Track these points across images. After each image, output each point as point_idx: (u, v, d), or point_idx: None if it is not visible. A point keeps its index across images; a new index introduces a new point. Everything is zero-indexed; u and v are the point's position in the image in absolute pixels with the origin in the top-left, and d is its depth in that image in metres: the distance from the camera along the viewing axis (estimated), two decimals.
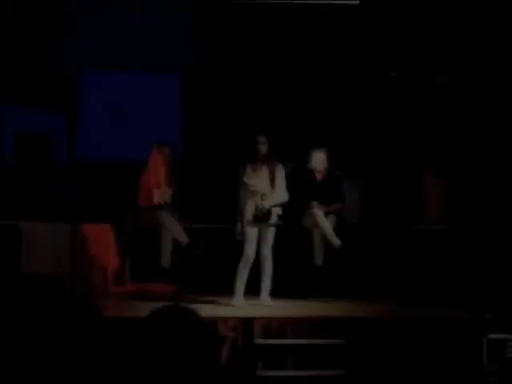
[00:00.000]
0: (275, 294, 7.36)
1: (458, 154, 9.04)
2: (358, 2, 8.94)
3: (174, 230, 7.42)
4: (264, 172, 7.15)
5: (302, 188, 7.79)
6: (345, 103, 9.40)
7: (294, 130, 9.19)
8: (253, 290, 7.24)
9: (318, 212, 7.58)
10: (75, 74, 9.32)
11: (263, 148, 7.14)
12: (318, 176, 7.90)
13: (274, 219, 7.14)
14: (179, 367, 2.30)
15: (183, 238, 7.38)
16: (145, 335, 2.35)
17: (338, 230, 7.59)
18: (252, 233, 7.08)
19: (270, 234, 7.16)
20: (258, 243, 7.13)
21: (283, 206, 7.24)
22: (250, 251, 7.06)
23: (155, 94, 9.35)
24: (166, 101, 9.38)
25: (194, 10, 9.43)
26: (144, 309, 6.99)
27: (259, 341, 6.16)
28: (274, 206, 7.13)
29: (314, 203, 7.68)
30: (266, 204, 7.07)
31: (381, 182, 9.17)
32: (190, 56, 9.42)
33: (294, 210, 7.62)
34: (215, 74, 9.29)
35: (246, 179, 7.15)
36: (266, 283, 7.17)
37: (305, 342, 6.25)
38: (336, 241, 7.44)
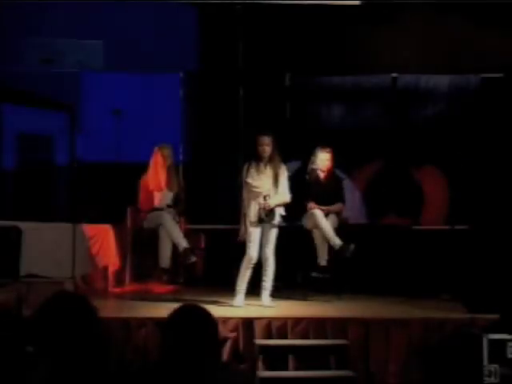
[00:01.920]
0: (276, 294, 7.36)
1: (458, 154, 9.04)
2: (359, 3, 8.92)
3: (173, 234, 7.39)
4: (268, 172, 7.13)
5: (305, 188, 7.77)
6: (344, 103, 9.39)
7: (296, 130, 9.19)
8: (253, 290, 7.23)
9: (319, 213, 7.56)
10: (76, 74, 9.32)
11: (267, 149, 7.12)
12: (322, 176, 7.87)
13: (277, 220, 7.12)
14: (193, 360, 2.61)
15: (182, 243, 7.35)
16: (167, 333, 2.71)
17: (338, 231, 7.57)
18: (255, 233, 7.07)
19: (273, 234, 7.14)
20: (260, 244, 7.11)
21: (286, 206, 7.22)
22: (252, 251, 7.04)
23: (157, 94, 9.34)
24: (167, 101, 9.36)
25: (198, 12, 9.43)
26: (144, 309, 7.03)
27: (260, 341, 6.15)
28: (277, 206, 7.10)
29: (311, 204, 7.66)
30: (269, 205, 7.05)
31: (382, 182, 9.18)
32: (192, 58, 9.42)
33: (296, 210, 7.61)
34: (217, 74, 9.28)
35: (249, 180, 7.13)
36: (267, 284, 7.16)
37: (305, 342, 6.25)
38: (336, 241, 7.41)
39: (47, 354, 2.47)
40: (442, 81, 9.32)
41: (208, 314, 2.72)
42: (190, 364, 2.60)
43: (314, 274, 7.61)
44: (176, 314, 2.75)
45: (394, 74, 9.26)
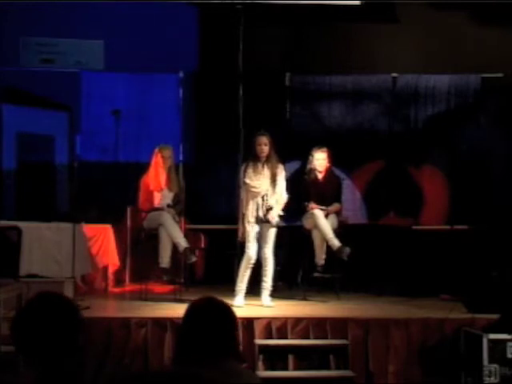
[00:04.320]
0: (276, 294, 7.36)
1: (458, 154, 9.05)
2: (359, 3, 8.92)
3: (173, 234, 7.38)
4: (265, 172, 7.11)
5: (303, 188, 7.77)
6: (344, 103, 9.39)
7: (296, 130, 9.19)
8: (253, 290, 7.23)
9: (318, 213, 7.55)
10: (76, 74, 9.32)
11: (265, 148, 7.11)
12: (319, 176, 7.86)
13: (275, 220, 7.11)
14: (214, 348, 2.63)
15: (182, 243, 7.34)
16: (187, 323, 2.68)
17: (338, 231, 7.56)
18: (253, 233, 7.06)
19: (272, 234, 7.14)
20: (259, 243, 7.10)
21: (284, 206, 7.21)
22: (251, 251, 7.04)
23: (157, 94, 9.33)
24: (167, 101, 9.36)
25: (198, 12, 9.43)
26: (144, 309, 7.02)
27: (260, 341, 6.15)
28: (275, 206, 7.10)
29: (311, 204, 7.64)
30: (267, 205, 7.05)
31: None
32: (192, 58, 9.42)
33: (296, 210, 7.61)
34: (217, 74, 9.28)
35: (247, 180, 7.12)
36: (267, 284, 7.15)
37: (305, 342, 6.25)
38: (335, 242, 7.39)
39: (27, 355, 2.47)
40: (442, 81, 9.32)
41: (227, 308, 2.72)
42: (206, 357, 2.60)
43: (315, 275, 7.62)
44: (195, 307, 2.71)
45: (394, 74, 9.26)
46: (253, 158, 7.15)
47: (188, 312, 2.69)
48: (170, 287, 7.82)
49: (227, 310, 2.70)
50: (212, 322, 2.65)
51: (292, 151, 8.64)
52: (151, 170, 7.68)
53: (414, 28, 9.47)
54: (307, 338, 6.26)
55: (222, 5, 8.65)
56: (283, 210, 7.19)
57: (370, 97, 9.32)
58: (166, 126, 9.22)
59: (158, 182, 7.66)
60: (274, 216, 7.06)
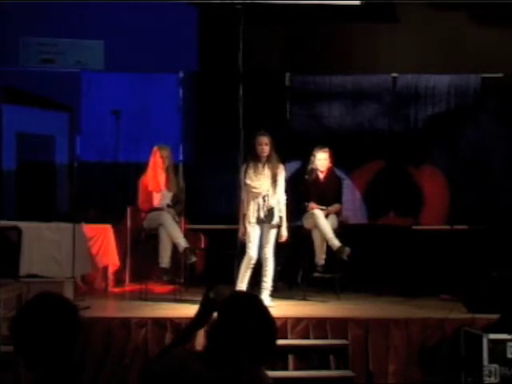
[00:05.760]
0: (276, 294, 7.36)
1: (457, 154, 9.05)
2: (359, 3, 8.93)
3: (173, 234, 7.38)
4: (266, 173, 7.10)
5: (303, 188, 7.78)
6: (344, 103, 9.39)
7: (296, 130, 9.19)
8: (253, 290, 7.22)
9: (318, 213, 7.55)
10: (76, 74, 9.32)
11: (266, 148, 7.10)
12: (321, 176, 7.85)
13: (275, 220, 7.11)
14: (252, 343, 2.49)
15: (182, 243, 7.34)
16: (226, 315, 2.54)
17: (338, 231, 7.56)
18: (254, 233, 7.06)
19: (272, 234, 7.13)
20: (260, 244, 7.10)
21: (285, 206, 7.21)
22: (252, 251, 7.04)
23: (157, 94, 9.33)
24: (167, 102, 9.36)
25: (198, 12, 9.44)
26: (144, 309, 7.02)
27: None
28: (276, 206, 7.10)
29: (311, 204, 7.64)
30: (268, 205, 7.05)
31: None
32: (192, 58, 9.42)
33: (295, 211, 7.61)
34: (217, 74, 9.28)
35: (248, 181, 7.11)
36: (267, 284, 7.15)
37: (305, 342, 6.25)
38: (335, 242, 7.39)
39: (27, 355, 2.47)
40: (442, 81, 9.32)
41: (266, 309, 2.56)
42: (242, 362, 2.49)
43: (315, 274, 7.62)
44: (232, 301, 2.59)
45: (394, 74, 9.27)
46: (253, 158, 7.14)
47: (228, 309, 2.54)
48: (170, 287, 7.82)
49: (266, 311, 2.55)
50: (256, 327, 2.48)
51: (292, 151, 8.65)
52: (149, 171, 7.67)
53: (414, 28, 9.48)
54: (307, 338, 6.26)
55: (222, 5, 8.65)
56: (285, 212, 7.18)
57: (369, 97, 9.33)
58: (165, 126, 9.22)
59: (157, 183, 7.65)
60: (284, 234, 7.11)
